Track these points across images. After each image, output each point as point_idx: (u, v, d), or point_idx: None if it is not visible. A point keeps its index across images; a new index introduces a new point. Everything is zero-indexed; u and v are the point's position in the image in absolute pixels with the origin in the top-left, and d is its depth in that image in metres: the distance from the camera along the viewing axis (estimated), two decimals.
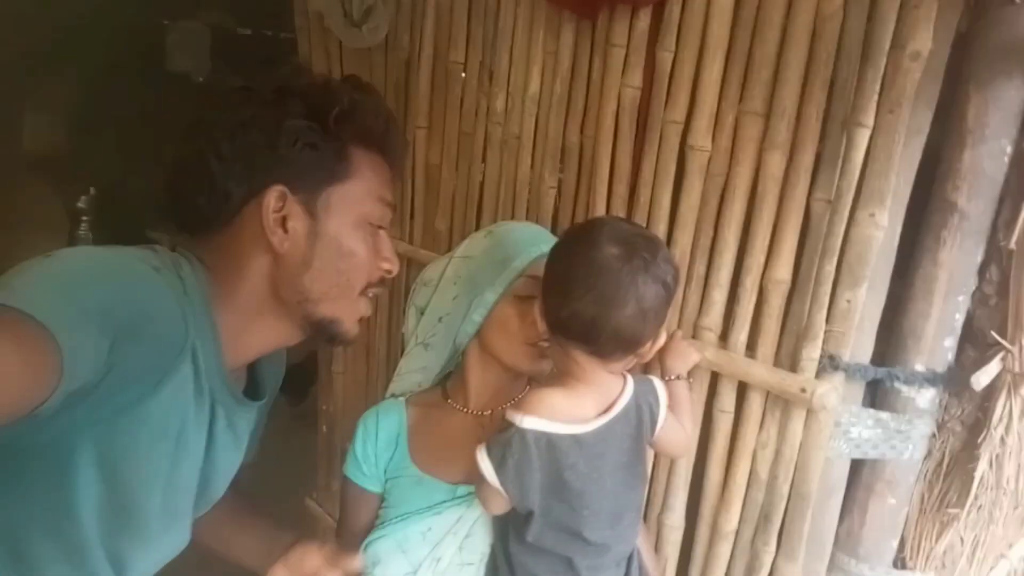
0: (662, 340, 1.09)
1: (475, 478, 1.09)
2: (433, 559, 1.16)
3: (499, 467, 1.03)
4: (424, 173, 1.71)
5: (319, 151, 0.97)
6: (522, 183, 1.49)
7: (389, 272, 1.07)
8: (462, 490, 1.18)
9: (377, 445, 1.24)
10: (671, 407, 1.15)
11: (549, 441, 1.03)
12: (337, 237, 0.99)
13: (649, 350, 1.07)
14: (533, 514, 1.05)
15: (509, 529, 1.11)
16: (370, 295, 1.06)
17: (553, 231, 1.47)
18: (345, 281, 1.01)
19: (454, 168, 1.61)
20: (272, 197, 0.95)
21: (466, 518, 1.17)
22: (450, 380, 1.30)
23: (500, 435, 1.05)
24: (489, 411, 1.25)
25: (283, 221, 0.96)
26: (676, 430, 1.17)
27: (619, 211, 1.36)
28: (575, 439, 1.04)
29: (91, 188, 3.64)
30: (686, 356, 1.24)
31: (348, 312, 1.04)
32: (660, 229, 1.31)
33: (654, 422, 1.12)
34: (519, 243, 1.21)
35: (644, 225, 1.31)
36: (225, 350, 0.97)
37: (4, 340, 0.63)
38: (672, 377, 1.22)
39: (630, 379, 1.10)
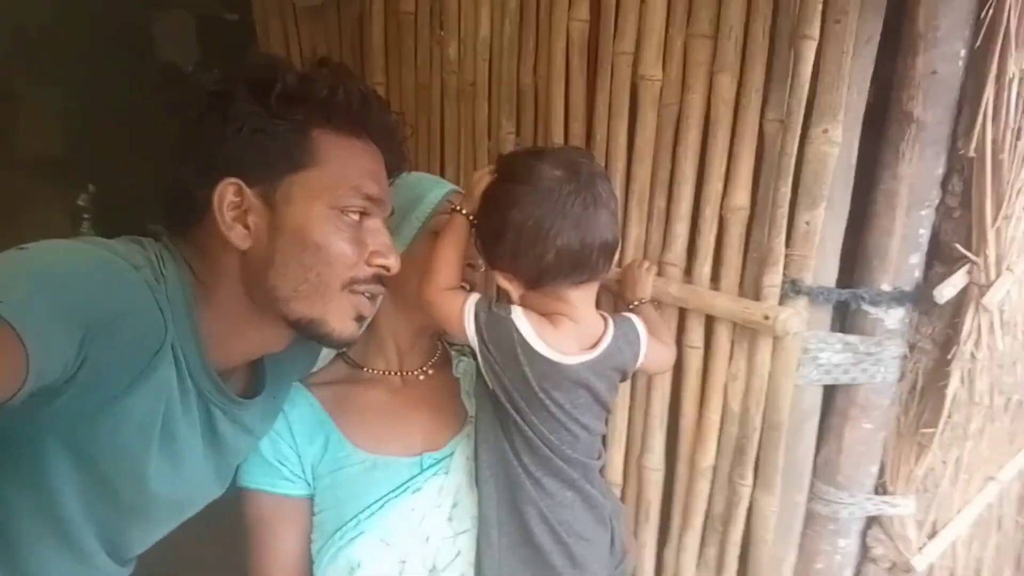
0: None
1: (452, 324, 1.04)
2: (421, 540, 1.06)
3: (479, 329, 1.02)
4: None
5: (270, 136, 0.91)
6: (480, 130, 1.46)
7: (384, 268, 0.97)
8: (429, 459, 1.09)
9: (295, 441, 1.07)
10: (648, 331, 1.13)
11: (530, 350, 1.00)
12: (300, 230, 0.91)
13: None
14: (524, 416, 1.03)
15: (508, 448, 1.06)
16: (365, 293, 0.96)
17: None
18: (315, 277, 0.92)
19: (414, 121, 1.58)
20: (226, 191, 0.90)
21: (447, 486, 1.09)
22: (355, 346, 1.15)
23: (491, 311, 1.02)
24: (418, 370, 1.17)
25: (245, 216, 0.91)
26: (659, 351, 1.15)
27: None
28: (552, 365, 1.01)
29: (90, 185, 3.66)
30: (644, 282, 1.23)
31: (331, 312, 0.94)
32: (618, 166, 1.28)
33: (635, 356, 1.09)
34: (422, 183, 1.14)
35: (603, 164, 1.28)
36: (211, 351, 0.93)
37: None
38: (636, 303, 1.21)
39: (610, 320, 1.07)
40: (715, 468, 1.28)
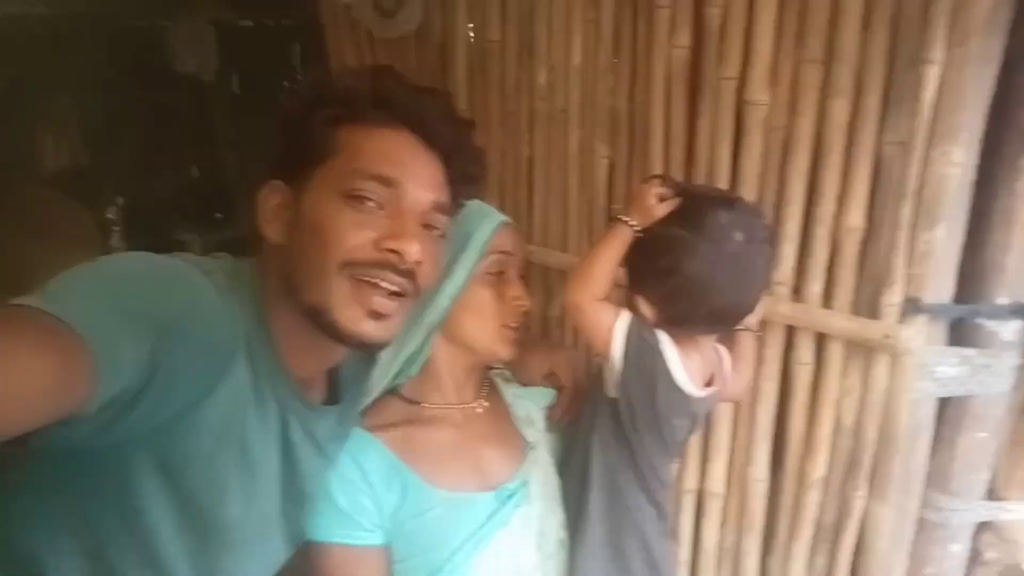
0: None
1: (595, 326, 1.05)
2: (515, 573, 1.07)
3: (627, 352, 1.03)
4: None
5: (304, 137, 0.94)
6: (572, 156, 1.48)
7: (394, 252, 0.90)
8: (504, 492, 1.10)
9: (373, 489, 1.03)
10: (735, 357, 1.19)
11: (670, 381, 1.04)
12: (310, 214, 0.91)
13: None
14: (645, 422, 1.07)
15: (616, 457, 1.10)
16: (372, 280, 0.90)
17: (608, 203, 1.48)
18: (313, 259, 0.90)
19: (499, 149, 1.60)
20: (268, 192, 0.95)
21: (532, 516, 1.10)
22: (409, 383, 1.13)
23: (642, 337, 1.04)
24: (474, 402, 1.16)
25: (282, 213, 0.95)
26: (737, 383, 1.20)
27: (677, 175, 1.35)
28: (684, 397, 1.06)
29: (118, 198, 3.66)
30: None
31: (334, 299, 0.90)
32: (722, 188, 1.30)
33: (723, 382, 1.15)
34: (471, 216, 1.09)
35: None
36: (285, 357, 0.95)
37: (33, 344, 0.59)
38: (739, 328, 1.23)
39: (720, 352, 1.11)
40: (826, 480, 1.31)
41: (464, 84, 1.63)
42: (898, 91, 1.13)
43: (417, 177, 0.94)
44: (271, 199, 0.95)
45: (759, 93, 1.24)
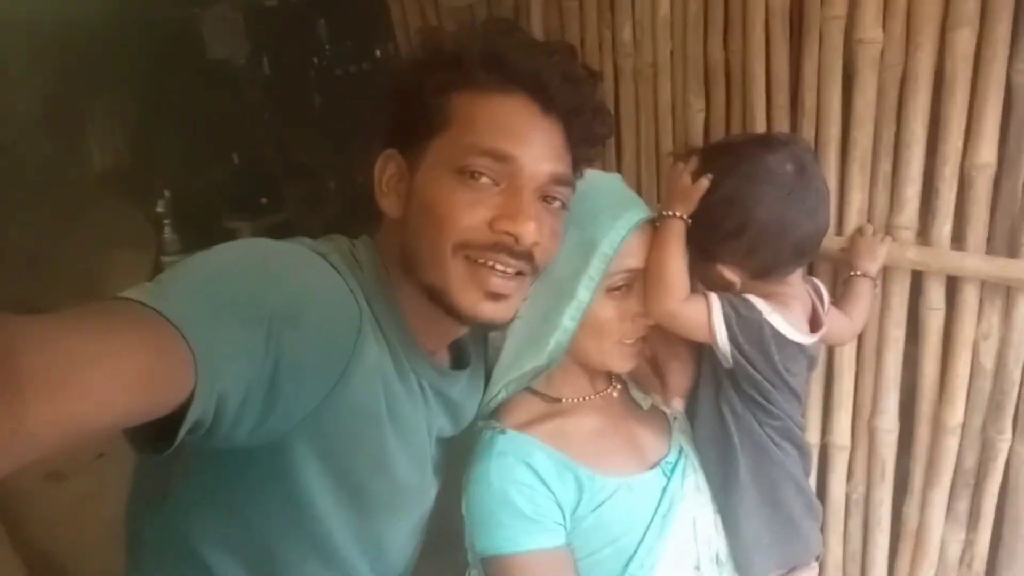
0: None
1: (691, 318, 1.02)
2: (704, 542, 1.07)
3: (732, 334, 1.01)
4: None
5: (416, 104, 0.90)
6: (664, 111, 1.42)
7: (509, 235, 0.86)
8: (667, 465, 1.09)
9: (551, 490, 0.99)
10: (847, 302, 1.18)
11: (783, 340, 1.02)
12: (422, 191, 0.89)
13: None
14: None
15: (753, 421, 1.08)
16: (488, 263, 0.88)
17: None
18: (429, 240, 0.88)
19: None
20: (385, 162, 0.93)
21: (699, 482, 1.10)
22: (542, 380, 1.09)
23: (740, 313, 1.02)
24: (609, 387, 1.14)
25: (399, 185, 0.93)
26: (841, 325, 1.17)
27: (782, 122, 1.29)
28: (798, 347, 1.04)
29: (165, 192, 3.66)
30: (874, 252, 1.21)
31: (451, 280, 0.88)
32: (832, 132, 1.24)
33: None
34: (598, 215, 1.01)
35: (814, 132, 1.25)
36: (414, 330, 0.94)
37: (130, 339, 0.57)
38: (858, 273, 1.20)
39: (819, 291, 1.12)
40: (963, 425, 1.27)
41: None
42: None
43: (534, 149, 0.89)
44: (387, 170, 0.93)
45: (871, 30, 1.17)
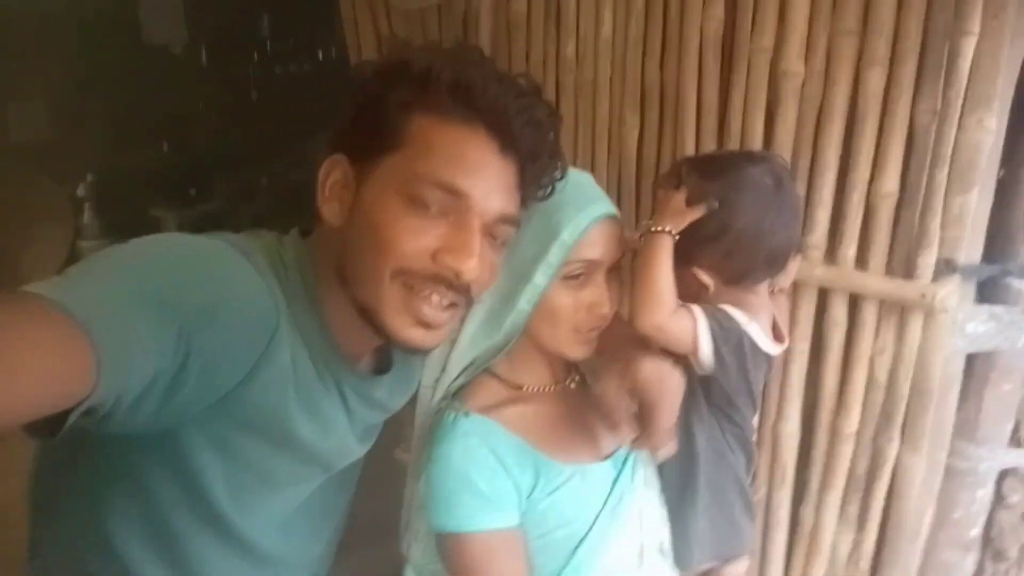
0: None
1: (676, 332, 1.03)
2: (650, 532, 1.11)
3: (716, 346, 1.04)
4: None
5: (374, 115, 0.88)
6: (601, 126, 1.50)
7: (451, 269, 0.86)
8: (619, 458, 1.12)
9: (511, 472, 1.01)
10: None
11: (756, 349, 1.07)
12: (368, 208, 0.88)
13: None
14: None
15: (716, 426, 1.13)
16: (424, 293, 0.88)
17: (637, 171, 1.50)
18: (371, 257, 0.87)
19: None
20: (330, 166, 0.91)
21: (649, 476, 1.14)
22: (501, 363, 1.10)
23: (721, 325, 1.04)
24: (568, 381, 1.15)
25: (342, 193, 0.91)
26: None
27: (710, 144, 1.38)
28: (766, 357, 1.10)
29: (88, 174, 3.56)
30: (789, 268, 1.29)
31: (384, 304, 0.88)
32: None
33: None
34: (566, 204, 1.02)
35: None
36: (336, 334, 0.94)
37: (32, 336, 0.57)
38: (776, 290, 1.27)
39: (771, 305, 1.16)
40: (858, 433, 1.38)
41: (489, 57, 1.62)
42: (933, 61, 1.17)
43: (487, 185, 0.88)
44: (332, 175, 0.91)
45: (794, 64, 1.27)
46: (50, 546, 0.96)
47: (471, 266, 0.86)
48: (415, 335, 0.90)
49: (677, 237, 1.04)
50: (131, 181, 3.82)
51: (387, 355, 1.09)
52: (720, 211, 1.03)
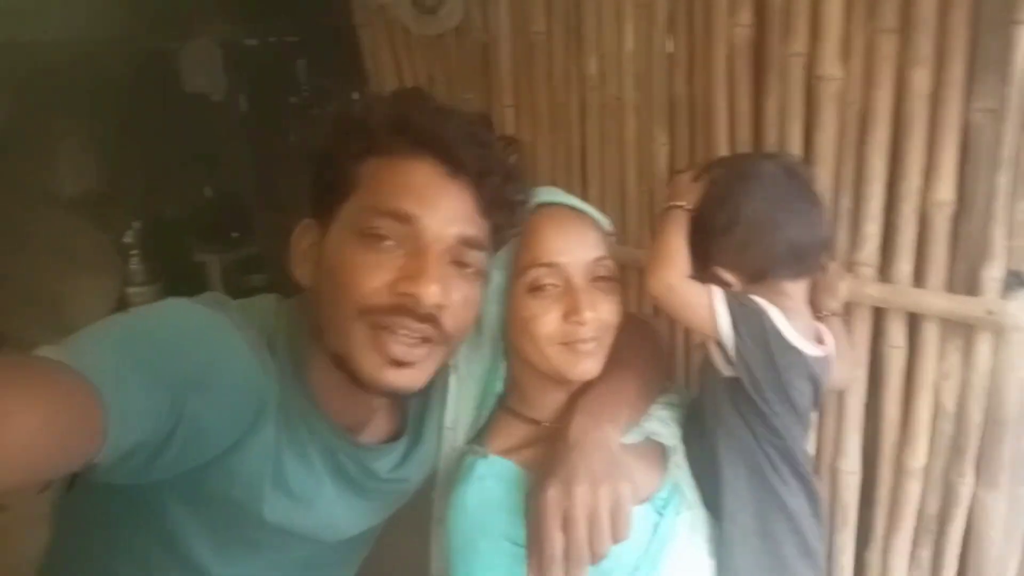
0: None
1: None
2: None
3: (734, 321, 0.99)
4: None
5: (330, 171, 0.92)
6: (629, 144, 1.43)
7: (409, 295, 0.85)
8: (660, 497, 1.04)
9: None
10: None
11: (781, 339, 0.99)
12: (329, 256, 0.89)
13: None
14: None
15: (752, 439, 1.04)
16: (391, 328, 0.86)
17: None
18: (335, 302, 0.87)
19: (549, 143, 1.55)
20: (300, 232, 0.95)
21: (696, 519, 1.05)
22: (518, 399, 1.07)
23: (741, 302, 1.00)
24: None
25: (312, 253, 0.94)
26: (839, 368, 1.13)
27: None
28: (798, 355, 1.01)
29: (134, 222, 3.63)
30: (834, 289, 1.19)
31: (354, 346, 0.87)
32: None
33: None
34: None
35: None
36: (329, 404, 0.94)
37: (49, 396, 0.60)
38: (825, 313, 1.17)
39: (825, 324, 1.10)
40: (926, 468, 1.25)
41: (509, 79, 1.57)
42: (984, 56, 1.07)
43: (440, 211, 0.88)
44: (303, 240, 0.95)
45: (831, 67, 1.18)
46: None
47: (431, 291, 0.84)
48: (389, 375, 0.88)
49: (691, 210, 1.05)
50: (175, 227, 3.89)
51: (401, 423, 1.07)
52: (728, 200, 1.02)
